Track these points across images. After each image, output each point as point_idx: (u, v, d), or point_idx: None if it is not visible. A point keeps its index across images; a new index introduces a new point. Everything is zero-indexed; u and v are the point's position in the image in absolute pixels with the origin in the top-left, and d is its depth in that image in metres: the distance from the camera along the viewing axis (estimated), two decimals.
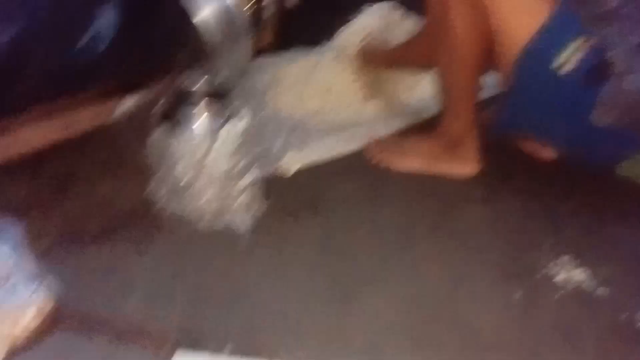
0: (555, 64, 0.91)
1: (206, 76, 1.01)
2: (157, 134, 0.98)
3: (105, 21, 0.97)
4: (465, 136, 1.13)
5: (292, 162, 1.13)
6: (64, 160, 1.09)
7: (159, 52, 1.15)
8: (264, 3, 1.88)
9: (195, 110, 0.97)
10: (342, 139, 1.26)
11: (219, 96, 1.01)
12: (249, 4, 1.83)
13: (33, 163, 1.07)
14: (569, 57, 0.90)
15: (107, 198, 1.06)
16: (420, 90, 1.50)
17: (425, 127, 1.35)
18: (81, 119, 1.06)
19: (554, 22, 0.90)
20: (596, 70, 0.90)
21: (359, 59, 1.43)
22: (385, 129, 1.33)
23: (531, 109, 0.99)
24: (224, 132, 0.95)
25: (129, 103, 1.06)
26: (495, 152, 1.19)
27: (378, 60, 1.42)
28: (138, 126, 1.05)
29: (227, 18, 1.33)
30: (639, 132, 0.95)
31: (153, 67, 1.13)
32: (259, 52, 1.78)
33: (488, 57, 1.04)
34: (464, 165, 1.16)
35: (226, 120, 0.96)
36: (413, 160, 1.17)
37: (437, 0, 1.00)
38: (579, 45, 0.90)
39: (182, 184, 0.97)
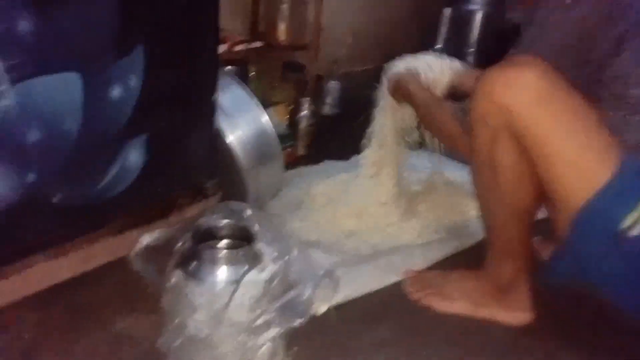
0: (624, 225, 0.79)
1: (230, 217, 0.93)
2: (176, 277, 0.89)
3: (131, 159, 0.92)
4: (515, 282, 1.00)
5: (322, 303, 1.02)
6: (77, 296, 1.01)
7: (186, 183, 1.10)
8: (301, 114, 1.89)
9: (218, 255, 0.88)
10: (377, 271, 1.15)
11: (244, 237, 0.92)
12: (287, 116, 1.85)
13: (46, 298, 0.99)
14: (637, 219, 0.79)
15: (119, 338, 0.96)
16: (460, 214, 1.40)
17: (467, 258, 1.23)
18: (98, 253, 0.99)
19: (618, 181, 0.80)
20: None
21: (393, 93, 1.28)
22: (423, 259, 1.21)
23: (591, 269, 0.86)
24: (247, 280, 0.84)
25: (149, 237, 0.98)
26: (550, 297, 1.05)
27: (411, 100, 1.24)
28: (157, 263, 0.96)
29: (261, 138, 1.30)
30: None
31: (177, 200, 1.07)
32: (292, 163, 1.77)
33: (541, 200, 0.93)
34: (514, 314, 1.02)
35: (250, 267, 0.86)
36: (457, 303, 1.05)
37: (486, 134, 0.90)
38: None
39: (199, 334, 0.86)
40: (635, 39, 0.82)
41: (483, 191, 0.98)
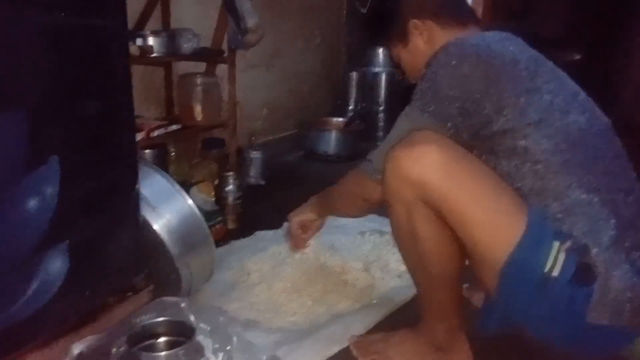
0: (546, 268, 0.87)
1: (165, 313, 0.91)
2: None
3: (53, 269, 0.89)
4: (452, 340, 1.05)
5: None
6: None
7: (114, 283, 1.07)
8: (227, 188, 1.90)
9: (157, 358, 0.85)
10: (319, 344, 1.16)
11: (182, 333, 0.91)
12: (213, 192, 1.85)
13: None
14: (555, 261, 0.87)
15: None
16: (392, 271, 1.45)
17: (405, 317, 1.27)
18: None
19: (531, 230, 0.88)
20: (581, 272, 0.86)
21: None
22: (362, 325, 1.23)
23: (521, 314, 0.93)
24: None
25: (79, 346, 0.94)
26: (489, 349, 1.09)
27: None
28: None
29: (188, 224, 1.30)
30: (636, 328, 0.90)
31: (106, 300, 1.04)
32: (223, 238, 1.76)
33: (465, 259, 1.00)
34: None
35: None
36: None
37: (402, 209, 0.96)
38: (558, 249, 0.87)
39: None
40: (512, 98, 0.92)
41: (409, 262, 1.03)
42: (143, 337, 0.92)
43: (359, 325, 1.22)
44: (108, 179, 1.03)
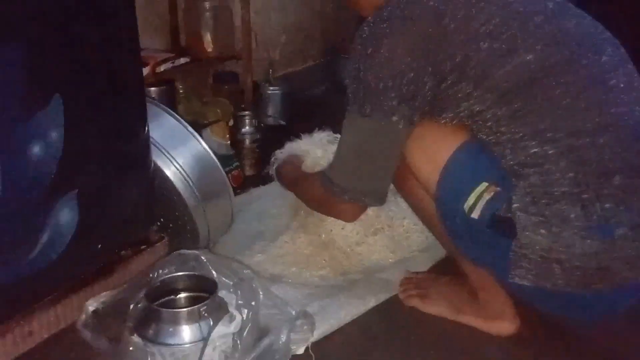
0: (465, 207, 0.92)
1: (184, 267, 0.96)
2: (134, 344, 0.91)
3: (63, 219, 0.94)
4: (488, 284, 1.09)
5: (300, 344, 1.06)
6: None
7: (128, 235, 1.13)
8: (243, 130, 1.92)
9: (178, 314, 0.91)
10: (354, 300, 1.20)
11: (203, 288, 0.96)
12: (227, 134, 1.87)
13: None
14: (475, 202, 0.92)
15: None
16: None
17: (445, 271, 1.31)
18: (37, 328, 0.99)
19: (452, 165, 0.95)
20: (501, 223, 0.90)
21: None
22: (399, 280, 1.28)
23: (463, 251, 1.03)
24: (214, 337, 0.88)
25: (94, 303, 1.01)
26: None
27: None
28: (109, 330, 0.99)
29: (203, 169, 1.33)
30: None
31: (120, 253, 1.09)
32: (241, 186, 1.80)
33: None
34: (497, 322, 1.11)
35: (215, 322, 0.90)
36: (438, 306, 1.17)
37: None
38: (485, 189, 0.92)
39: None
40: (448, 62, 0.92)
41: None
42: (162, 293, 0.98)
43: (396, 281, 1.27)
44: (115, 120, 1.06)
